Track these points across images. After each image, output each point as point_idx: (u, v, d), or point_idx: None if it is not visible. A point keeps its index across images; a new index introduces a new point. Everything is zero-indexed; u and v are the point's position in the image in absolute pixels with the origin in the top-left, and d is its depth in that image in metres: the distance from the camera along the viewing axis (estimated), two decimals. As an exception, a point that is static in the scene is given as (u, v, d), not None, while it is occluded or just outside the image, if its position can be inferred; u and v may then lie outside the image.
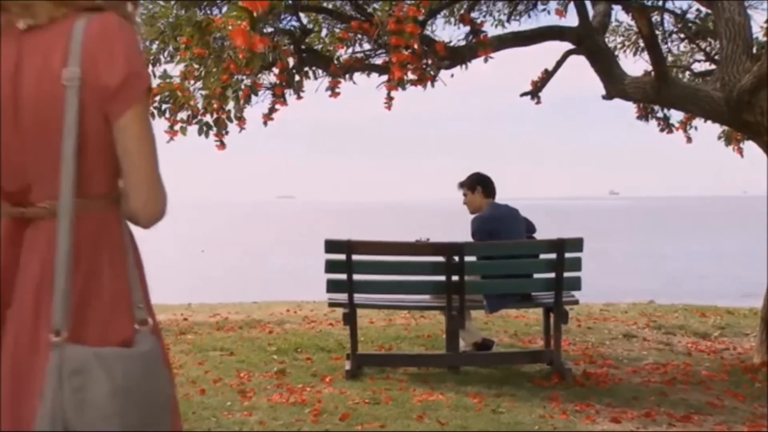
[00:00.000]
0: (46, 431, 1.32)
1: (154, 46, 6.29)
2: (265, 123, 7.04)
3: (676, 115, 8.40)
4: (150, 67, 6.32)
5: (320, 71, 6.77)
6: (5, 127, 1.43)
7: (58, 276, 1.38)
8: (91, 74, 1.41)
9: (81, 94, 1.40)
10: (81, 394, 1.34)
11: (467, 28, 6.18)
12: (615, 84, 6.30)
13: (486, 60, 5.89)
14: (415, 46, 5.22)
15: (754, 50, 5.50)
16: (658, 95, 5.95)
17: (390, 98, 6.48)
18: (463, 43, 6.25)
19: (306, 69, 6.82)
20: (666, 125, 8.25)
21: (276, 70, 5.95)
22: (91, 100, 1.42)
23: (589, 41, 6.43)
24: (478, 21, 6.02)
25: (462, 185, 6.03)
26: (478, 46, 5.81)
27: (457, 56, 6.17)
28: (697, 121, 8.23)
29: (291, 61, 6.51)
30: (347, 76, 6.86)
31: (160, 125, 6.15)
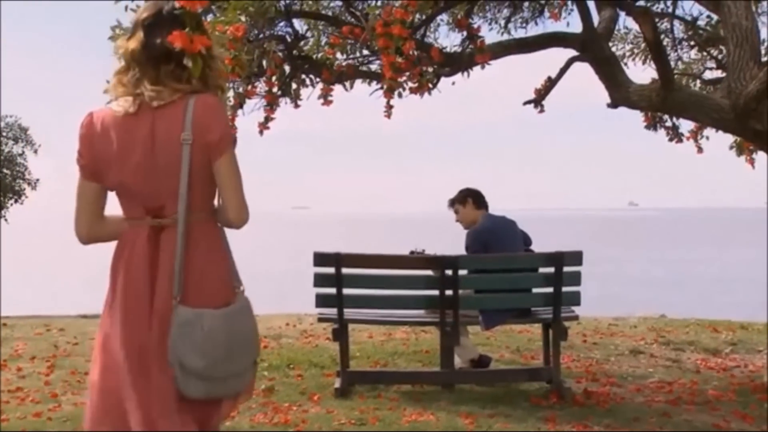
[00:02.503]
0: (171, 359, 2.16)
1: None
2: (260, 132, 6.87)
3: (687, 125, 8.13)
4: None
5: (318, 79, 6.59)
6: (148, 168, 2.23)
7: (177, 264, 2.20)
8: (199, 135, 2.21)
9: (192, 148, 2.21)
10: (186, 337, 2.15)
11: (465, 34, 5.97)
12: (619, 91, 6.07)
13: (483, 67, 5.69)
14: (410, 52, 5.03)
15: (763, 56, 5.28)
16: (664, 103, 5.71)
17: (390, 106, 6.27)
18: (459, 49, 6.05)
19: (303, 77, 6.65)
20: (675, 134, 7.97)
21: (267, 77, 5.76)
22: (199, 150, 2.21)
23: (592, 48, 6.21)
24: (476, 26, 5.79)
25: (452, 201, 5.88)
26: (475, 52, 5.62)
27: (455, 63, 5.97)
28: (709, 131, 7.95)
29: (287, 69, 6.34)
30: (347, 83, 6.68)
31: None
